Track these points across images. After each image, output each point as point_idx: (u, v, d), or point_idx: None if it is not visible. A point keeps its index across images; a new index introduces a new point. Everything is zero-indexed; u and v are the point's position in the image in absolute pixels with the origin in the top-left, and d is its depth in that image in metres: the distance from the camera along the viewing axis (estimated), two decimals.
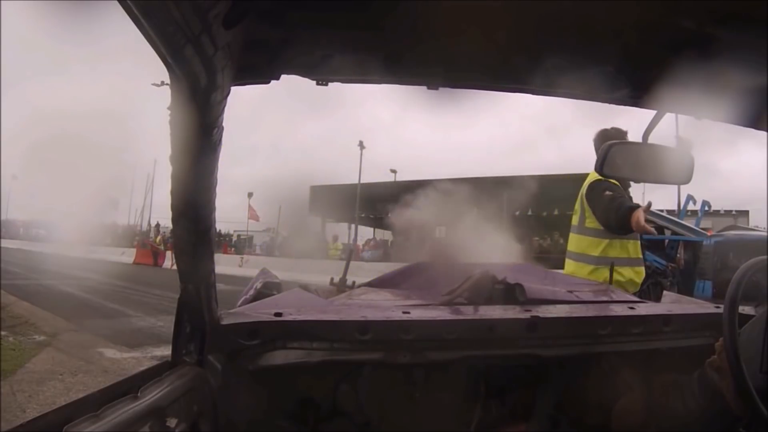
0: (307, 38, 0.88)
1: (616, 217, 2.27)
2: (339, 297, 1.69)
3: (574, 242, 2.58)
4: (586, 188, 2.50)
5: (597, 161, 1.27)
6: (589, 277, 2.39)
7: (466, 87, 1.07)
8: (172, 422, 0.83)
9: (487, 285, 1.45)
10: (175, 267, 1.00)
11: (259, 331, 1.11)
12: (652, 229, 2.30)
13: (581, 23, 0.86)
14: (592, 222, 2.48)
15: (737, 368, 0.92)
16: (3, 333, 5.11)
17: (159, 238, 23.34)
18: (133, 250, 22.85)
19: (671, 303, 1.63)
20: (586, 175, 2.57)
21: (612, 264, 2.40)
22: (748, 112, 1.04)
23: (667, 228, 7.29)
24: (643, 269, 2.54)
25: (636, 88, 1.03)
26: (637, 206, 2.25)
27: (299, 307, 1.27)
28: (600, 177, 2.39)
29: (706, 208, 8.61)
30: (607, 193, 2.36)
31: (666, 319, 1.31)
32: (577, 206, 2.59)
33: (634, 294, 2.21)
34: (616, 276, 2.40)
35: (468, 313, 1.33)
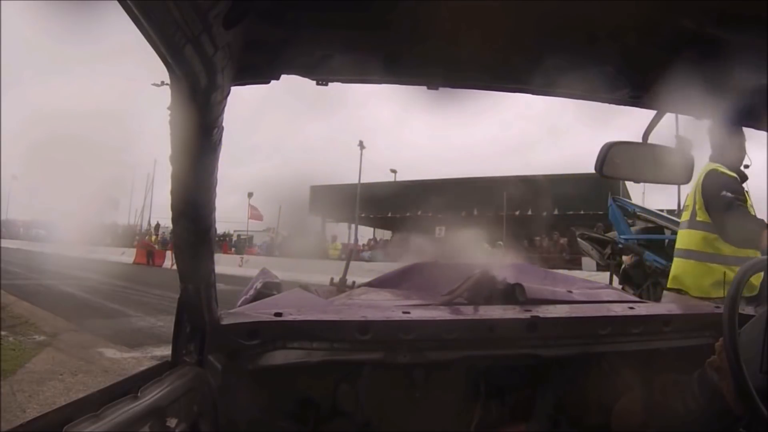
0: (307, 38, 0.89)
1: (744, 231, 2.12)
2: (339, 297, 1.69)
3: (684, 239, 2.43)
4: (702, 178, 2.33)
5: (596, 161, 1.27)
6: (704, 275, 2.25)
7: (466, 87, 1.07)
8: (172, 422, 0.83)
9: (487, 285, 1.44)
10: (175, 267, 1.00)
11: (259, 331, 1.11)
12: None
13: (581, 23, 0.86)
14: (703, 215, 2.32)
15: (737, 368, 0.91)
16: (3, 333, 5.11)
17: (154, 237, 23.32)
18: (133, 250, 22.87)
19: (671, 303, 1.63)
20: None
21: (725, 262, 2.25)
22: (748, 112, 1.04)
23: (667, 228, 7.29)
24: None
25: (636, 88, 1.03)
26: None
27: (299, 307, 1.27)
28: (716, 167, 2.26)
29: None
30: (726, 194, 2.21)
31: (666, 319, 1.31)
32: (689, 200, 2.44)
33: (750, 297, 2.06)
34: (730, 275, 2.20)
35: (468, 313, 1.33)
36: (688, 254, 2.39)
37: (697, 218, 2.36)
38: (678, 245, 2.50)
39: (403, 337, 1.16)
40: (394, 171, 22.87)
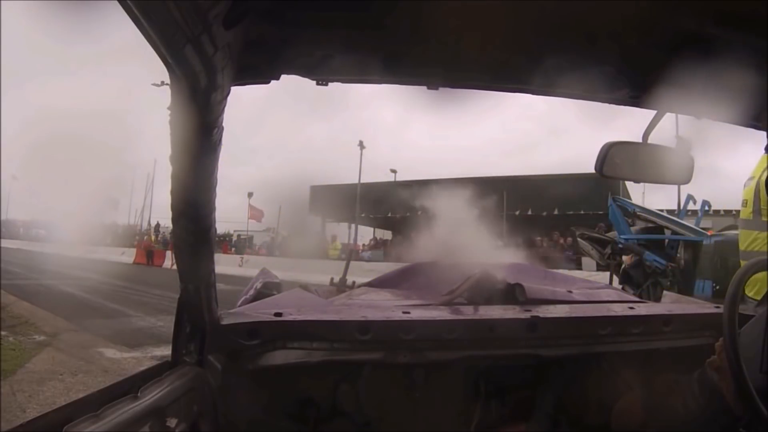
0: (307, 38, 0.88)
1: None
2: (339, 297, 1.69)
3: (746, 239, 2.25)
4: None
5: (596, 161, 1.27)
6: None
7: (466, 87, 1.07)
8: (172, 422, 0.83)
9: (487, 285, 1.44)
10: (174, 267, 1.00)
11: (259, 331, 1.11)
12: None
13: (581, 23, 0.86)
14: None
15: (737, 368, 0.91)
16: (3, 333, 5.11)
17: (153, 237, 23.28)
18: (133, 250, 22.88)
19: (671, 303, 1.63)
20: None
21: None
22: (748, 112, 1.04)
23: (667, 228, 7.30)
24: None
25: (636, 88, 1.03)
26: None
27: (299, 307, 1.27)
28: None
29: (706, 208, 8.62)
30: None
31: (666, 319, 1.31)
32: (747, 197, 2.28)
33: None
34: None
35: (468, 313, 1.33)
36: (747, 255, 2.23)
37: (763, 218, 2.20)
38: (740, 247, 2.31)
39: (403, 337, 1.16)
40: (394, 171, 22.86)
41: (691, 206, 8.47)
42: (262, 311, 1.21)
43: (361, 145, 22.03)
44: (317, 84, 0.99)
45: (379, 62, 0.95)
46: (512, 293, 1.42)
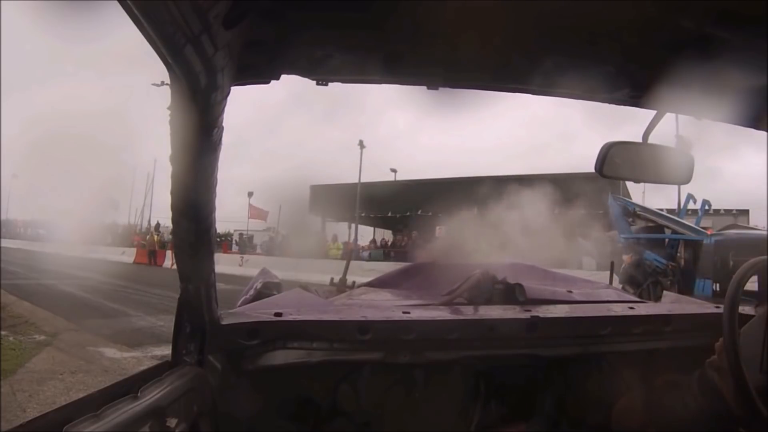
0: (307, 38, 0.88)
1: None
2: (339, 297, 1.69)
3: None
4: None
5: (596, 161, 1.27)
6: None
7: (466, 87, 1.07)
8: (172, 422, 0.83)
9: (487, 285, 1.45)
10: (175, 266, 1.00)
11: (259, 331, 1.11)
12: None
13: (581, 23, 0.86)
14: None
15: (737, 368, 0.92)
16: (3, 333, 5.12)
17: (157, 237, 23.25)
18: (134, 250, 22.87)
19: (671, 303, 1.63)
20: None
21: None
22: (748, 112, 1.04)
23: (668, 227, 7.30)
24: None
25: (636, 88, 1.03)
26: None
27: (299, 307, 1.27)
28: None
29: (706, 207, 8.62)
30: None
31: (666, 319, 1.31)
32: None
33: None
34: None
35: (468, 313, 1.33)
36: None
37: None
38: None
39: (403, 337, 1.16)
40: (394, 170, 22.84)
41: (691, 206, 8.48)
42: (262, 311, 1.21)
43: (361, 144, 22.00)
44: (317, 84, 0.99)
45: (379, 62, 0.95)
46: (512, 293, 1.42)
